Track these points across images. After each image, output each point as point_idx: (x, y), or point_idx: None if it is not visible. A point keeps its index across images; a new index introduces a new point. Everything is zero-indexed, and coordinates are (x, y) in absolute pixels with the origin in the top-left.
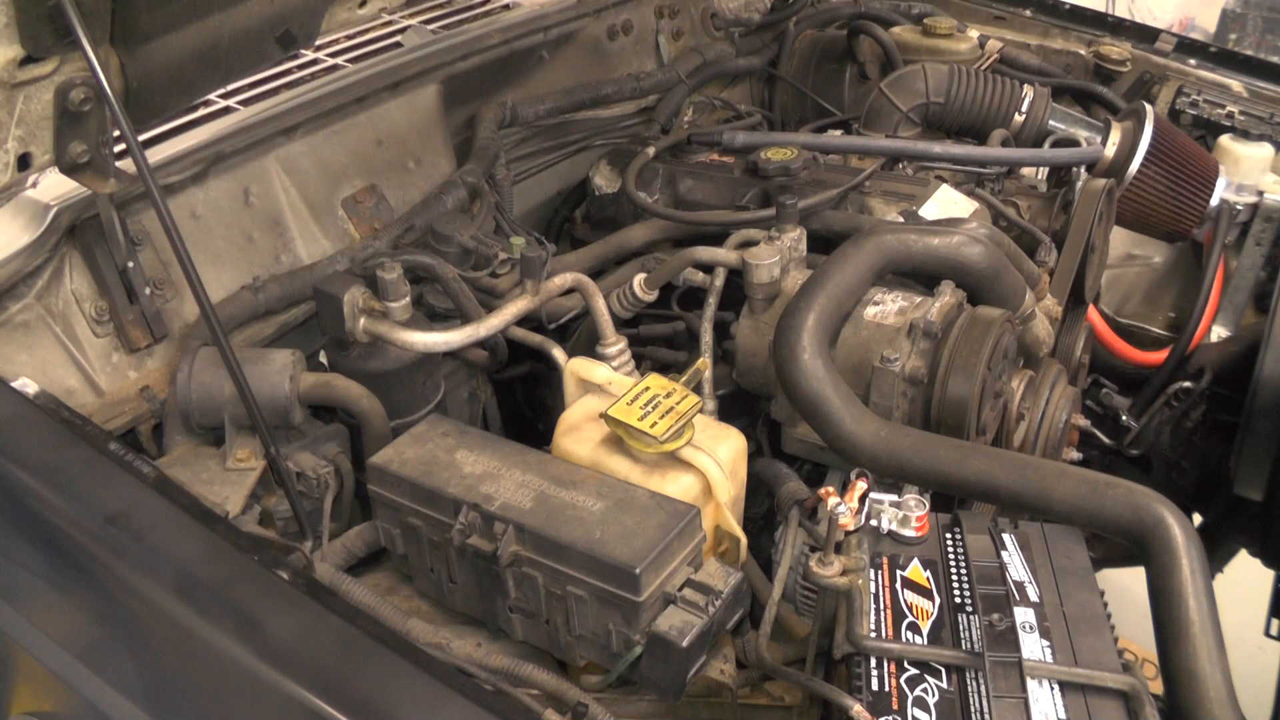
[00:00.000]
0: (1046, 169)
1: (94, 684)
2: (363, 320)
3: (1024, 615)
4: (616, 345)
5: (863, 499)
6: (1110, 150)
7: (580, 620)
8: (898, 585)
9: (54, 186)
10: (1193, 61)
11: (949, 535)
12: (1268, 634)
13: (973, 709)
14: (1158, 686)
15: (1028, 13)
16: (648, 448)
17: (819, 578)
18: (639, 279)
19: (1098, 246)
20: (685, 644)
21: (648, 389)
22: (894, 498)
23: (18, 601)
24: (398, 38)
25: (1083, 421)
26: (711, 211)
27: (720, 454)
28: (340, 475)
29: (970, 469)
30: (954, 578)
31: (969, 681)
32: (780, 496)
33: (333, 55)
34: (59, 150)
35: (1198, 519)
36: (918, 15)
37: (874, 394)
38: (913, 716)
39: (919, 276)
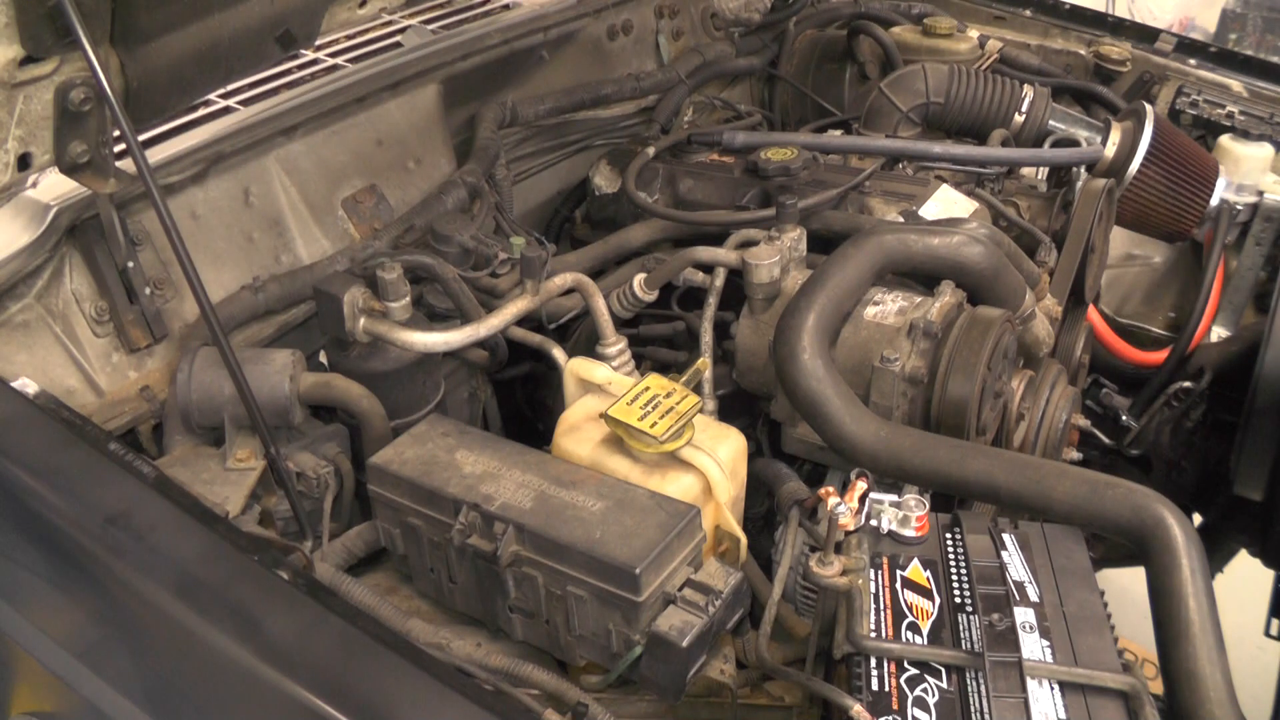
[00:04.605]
0: (1046, 169)
1: (94, 684)
2: (363, 320)
3: (1024, 615)
4: (616, 345)
5: (863, 499)
6: (1110, 150)
7: (580, 620)
8: (898, 585)
9: (54, 186)
10: (1193, 61)
11: (949, 535)
12: (1268, 634)
13: (973, 709)
14: (1158, 686)
15: (1028, 13)
16: (648, 448)
17: (819, 578)
18: (639, 279)
19: (1098, 246)
20: (685, 644)
21: (648, 389)
22: (894, 498)
23: (18, 601)
24: (398, 38)
25: (1083, 421)
26: (711, 211)
27: (720, 454)
28: (340, 475)
29: (970, 469)
30: (954, 578)
31: (969, 681)
32: (780, 496)
33: (333, 55)
34: (59, 150)
35: (1198, 519)
36: (918, 15)
37: (874, 394)
38: (913, 716)
39: (919, 276)
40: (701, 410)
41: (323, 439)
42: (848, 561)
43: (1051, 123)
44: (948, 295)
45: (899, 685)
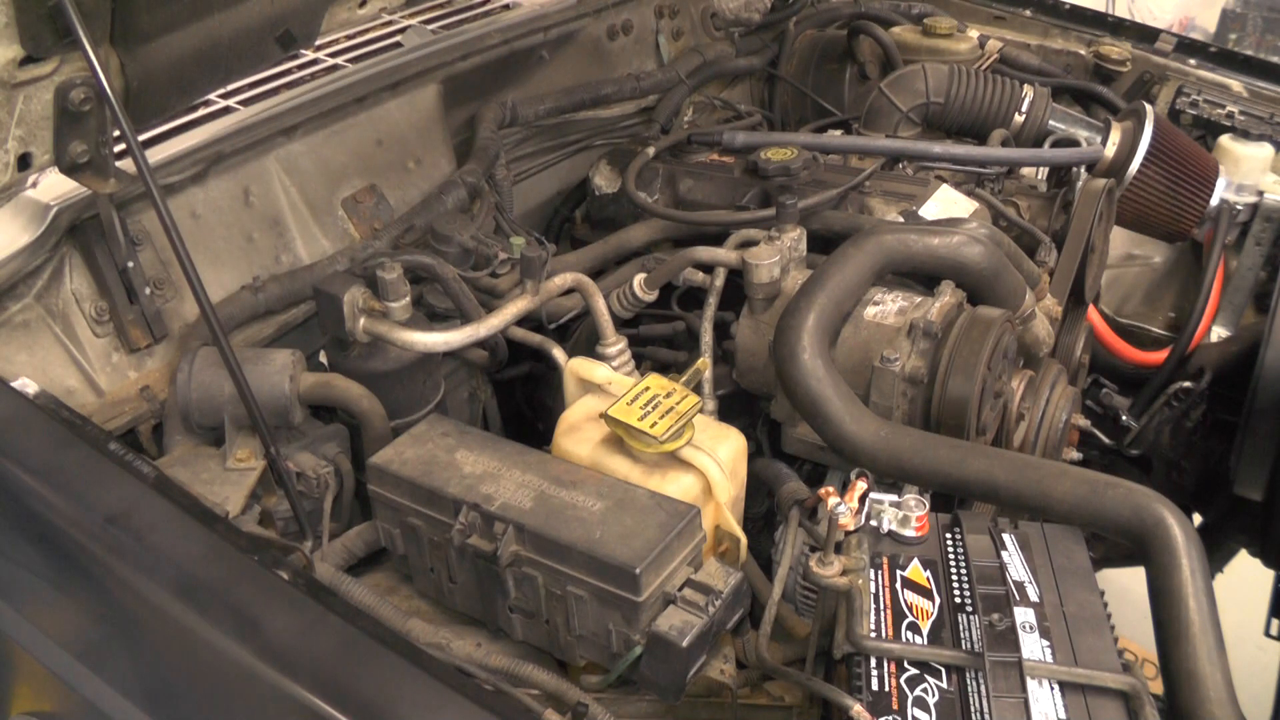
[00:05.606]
0: (1046, 169)
1: (94, 684)
2: (363, 320)
3: (1024, 615)
4: (616, 345)
5: (863, 499)
6: (1110, 150)
7: (580, 620)
8: (898, 585)
9: (54, 186)
10: (1193, 61)
11: (949, 535)
12: (1268, 634)
13: (973, 709)
14: (1158, 686)
15: (1028, 13)
16: (648, 448)
17: (819, 578)
18: (639, 279)
19: (1098, 246)
20: (685, 644)
21: (648, 389)
22: (894, 498)
23: (18, 601)
24: (398, 38)
25: (1083, 421)
26: (711, 211)
27: (720, 454)
28: (340, 475)
29: (970, 469)
30: (954, 578)
31: (969, 681)
32: (780, 496)
33: (333, 55)
34: (59, 150)
35: (1198, 519)
36: (918, 15)
37: (874, 394)
38: (913, 716)
39: (919, 276)
40: (701, 410)
41: (323, 439)
42: (848, 561)
43: (1051, 123)
44: (948, 295)
45: (899, 685)
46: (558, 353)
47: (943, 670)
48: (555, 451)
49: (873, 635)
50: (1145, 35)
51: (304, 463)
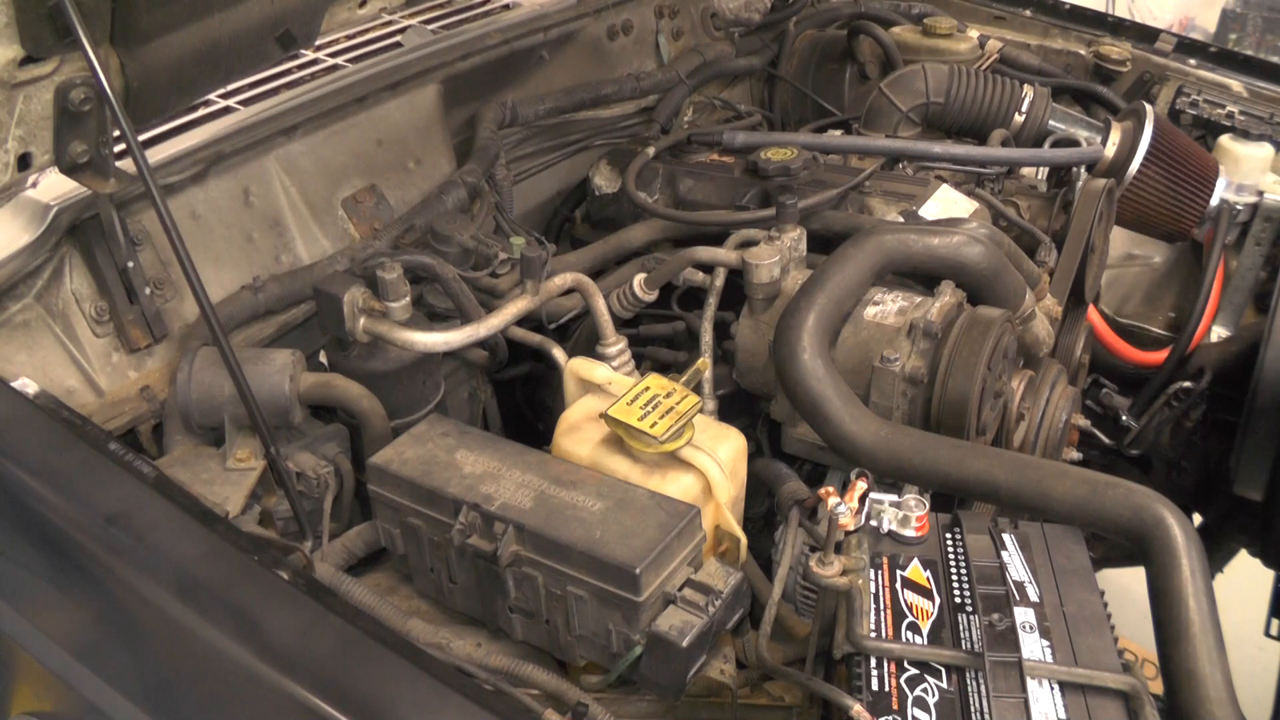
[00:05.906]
0: (1046, 169)
1: (94, 684)
2: (363, 320)
3: (1024, 615)
4: (616, 345)
5: (863, 499)
6: (1110, 150)
7: (580, 620)
8: (898, 585)
9: (54, 186)
10: (1193, 61)
11: (949, 535)
12: (1268, 634)
13: (973, 709)
14: (1158, 686)
15: (1028, 13)
16: (648, 448)
17: (819, 578)
18: (639, 279)
19: (1098, 246)
20: (685, 644)
21: (648, 389)
22: (894, 498)
23: (18, 601)
24: (398, 38)
25: (1083, 421)
26: (711, 211)
27: (720, 454)
28: (340, 475)
29: (970, 469)
30: (954, 578)
31: (969, 681)
32: (780, 496)
33: (333, 55)
34: (59, 150)
35: (1198, 519)
36: (918, 15)
37: (874, 394)
38: (913, 716)
39: (919, 276)
40: (701, 410)
41: (323, 439)
42: (848, 561)
43: (1051, 123)
44: (948, 295)
45: (899, 685)
46: (558, 353)
47: (943, 670)
48: (555, 451)
49: (873, 635)
50: (1145, 35)
51: (304, 463)
